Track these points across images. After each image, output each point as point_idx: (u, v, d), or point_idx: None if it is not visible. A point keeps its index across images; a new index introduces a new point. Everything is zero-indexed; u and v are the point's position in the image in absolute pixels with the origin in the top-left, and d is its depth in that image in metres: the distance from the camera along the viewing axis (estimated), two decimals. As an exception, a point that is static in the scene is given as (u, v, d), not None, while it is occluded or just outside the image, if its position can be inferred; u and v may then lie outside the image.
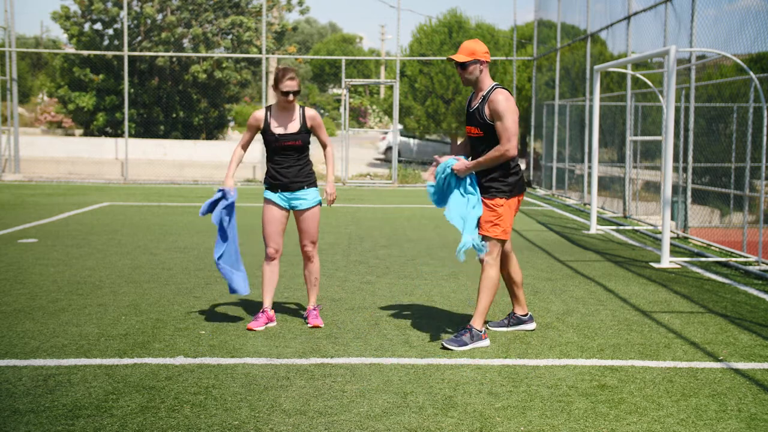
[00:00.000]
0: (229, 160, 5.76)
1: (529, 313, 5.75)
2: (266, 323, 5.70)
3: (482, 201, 5.28)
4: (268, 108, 5.72)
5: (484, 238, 5.28)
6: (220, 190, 5.66)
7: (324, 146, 5.83)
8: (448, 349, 5.15)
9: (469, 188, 5.27)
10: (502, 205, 5.25)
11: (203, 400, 4.18)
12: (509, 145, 5.15)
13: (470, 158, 5.40)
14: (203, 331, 5.52)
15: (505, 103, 5.16)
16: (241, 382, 4.46)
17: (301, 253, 5.92)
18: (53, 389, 4.29)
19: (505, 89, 5.29)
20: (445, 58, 24.22)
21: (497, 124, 5.17)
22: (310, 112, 5.71)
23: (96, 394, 4.23)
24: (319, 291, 6.11)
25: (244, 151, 5.81)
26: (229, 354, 5.00)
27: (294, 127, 5.65)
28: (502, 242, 5.32)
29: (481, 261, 5.29)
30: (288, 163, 5.66)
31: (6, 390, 4.27)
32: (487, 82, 5.32)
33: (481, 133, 5.26)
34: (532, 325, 5.69)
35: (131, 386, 4.36)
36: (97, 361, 4.81)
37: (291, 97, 5.59)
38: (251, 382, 4.48)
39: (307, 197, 5.74)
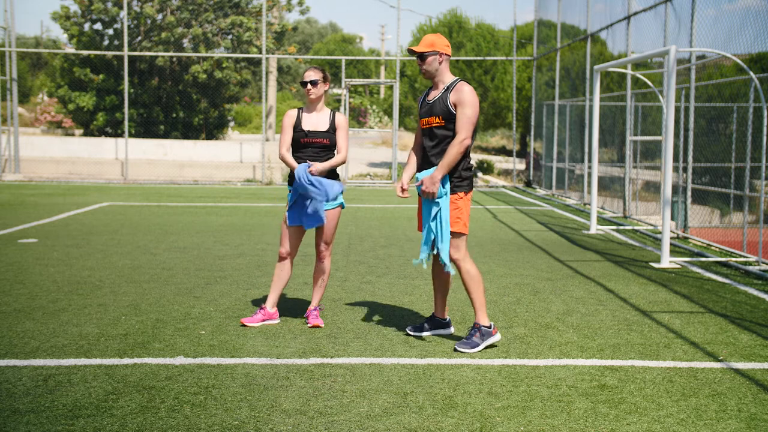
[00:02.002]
0: (286, 161, 5.73)
1: (448, 317, 5.66)
2: (263, 320, 5.73)
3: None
4: (300, 108, 5.85)
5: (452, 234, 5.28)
6: (297, 180, 5.61)
7: (338, 150, 5.81)
8: (462, 352, 5.13)
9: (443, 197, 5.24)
10: (461, 199, 5.25)
11: (203, 400, 4.18)
12: (466, 134, 5.16)
13: (427, 153, 5.31)
14: (203, 331, 5.52)
15: (471, 95, 5.22)
16: (241, 382, 4.46)
17: (315, 252, 5.92)
18: (53, 389, 4.29)
19: (467, 82, 5.34)
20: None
21: (459, 112, 5.19)
22: (340, 115, 5.83)
23: (96, 394, 4.23)
24: (324, 293, 6.10)
25: (289, 151, 5.84)
26: (229, 354, 5.00)
27: (323, 125, 5.76)
28: (465, 236, 5.31)
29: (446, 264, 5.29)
30: (313, 162, 5.70)
31: (6, 390, 4.27)
32: (448, 76, 5.35)
33: (443, 122, 5.24)
34: (450, 330, 5.61)
35: (131, 386, 4.36)
36: (97, 361, 4.81)
37: (310, 86, 5.74)
38: (251, 382, 4.48)
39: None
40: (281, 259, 5.81)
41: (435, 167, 5.22)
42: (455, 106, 5.21)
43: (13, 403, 4.08)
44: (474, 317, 5.96)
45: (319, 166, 5.64)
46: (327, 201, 5.67)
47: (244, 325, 5.64)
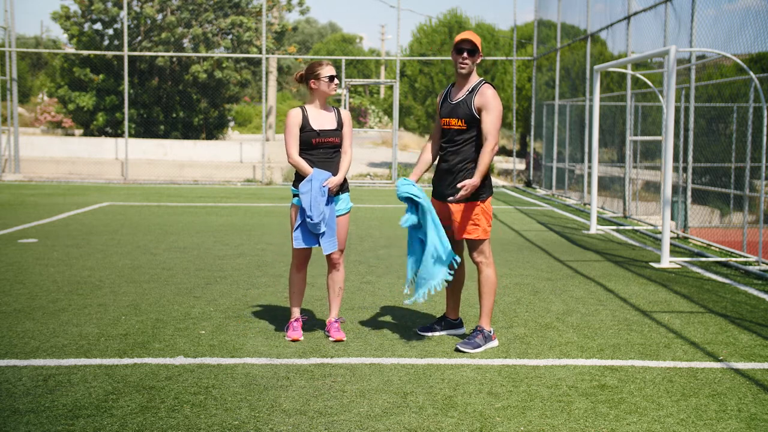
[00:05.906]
0: (302, 167, 5.29)
1: (460, 317, 5.66)
2: (301, 327, 5.50)
3: (459, 205, 5.23)
4: (301, 107, 5.45)
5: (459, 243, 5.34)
6: (308, 183, 5.25)
7: (344, 151, 5.47)
8: (464, 352, 5.12)
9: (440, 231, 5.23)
10: (478, 205, 5.22)
11: (203, 400, 4.18)
12: (494, 140, 5.13)
13: (445, 152, 5.29)
14: (203, 331, 5.52)
15: (495, 99, 5.16)
16: (241, 382, 4.46)
17: (326, 260, 5.59)
18: (53, 389, 4.29)
19: (492, 84, 5.29)
20: (445, 57, 24.25)
21: (485, 117, 5.12)
22: (345, 112, 5.48)
23: (96, 394, 4.23)
24: (341, 302, 5.78)
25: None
26: (229, 354, 5.00)
27: (332, 124, 5.39)
28: (488, 240, 5.30)
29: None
30: (323, 165, 5.34)
31: (6, 390, 4.27)
32: (475, 76, 5.30)
33: (465, 126, 5.18)
34: (462, 330, 5.61)
35: (131, 386, 4.36)
36: (97, 361, 4.81)
37: (336, 81, 5.37)
38: (251, 382, 4.48)
39: (340, 203, 5.44)
40: (299, 269, 5.50)
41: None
42: (479, 111, 5.14)
43: (13, 403, 4.09)
44: (475, 319, 5.97)
45: (335, 179, 5.29)
46: (318, 225, 5.28)
47: (295, 341, 5.34)
